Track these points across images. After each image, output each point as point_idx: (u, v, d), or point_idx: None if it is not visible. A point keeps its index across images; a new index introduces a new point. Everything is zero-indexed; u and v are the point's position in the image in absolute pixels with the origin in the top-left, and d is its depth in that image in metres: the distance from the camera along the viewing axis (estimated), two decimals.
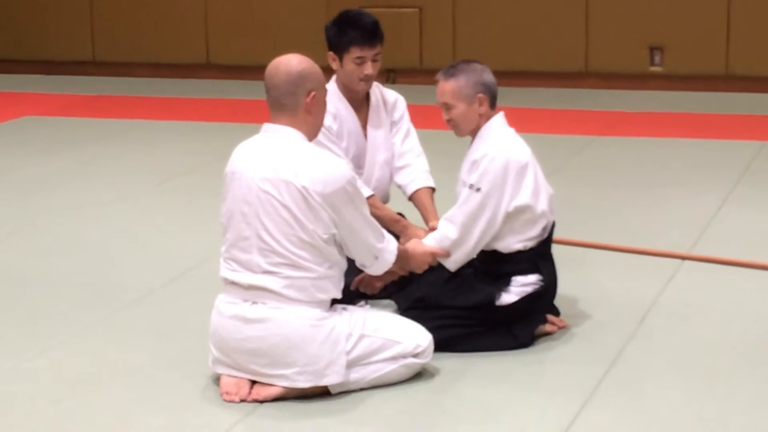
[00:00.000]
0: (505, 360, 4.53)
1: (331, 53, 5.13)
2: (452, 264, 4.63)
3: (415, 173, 5.28)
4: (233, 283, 4.23)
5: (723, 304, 5.11)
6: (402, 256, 4.45)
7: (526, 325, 4.64)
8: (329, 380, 4.18)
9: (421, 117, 9.06)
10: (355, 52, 5.08)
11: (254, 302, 4.19)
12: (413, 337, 4.33)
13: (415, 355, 4.32)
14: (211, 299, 4.86)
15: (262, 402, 4.18)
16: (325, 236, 4.16)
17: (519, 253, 4.63)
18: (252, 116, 9.14)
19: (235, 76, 10.66)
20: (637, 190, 6.91)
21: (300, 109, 4.21)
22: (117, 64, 11.00)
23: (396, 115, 5.36)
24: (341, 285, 4.29)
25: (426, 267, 4.63)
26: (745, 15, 9.63)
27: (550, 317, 4.79)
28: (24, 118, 9.32)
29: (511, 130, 4.76)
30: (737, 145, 7.92)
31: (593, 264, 5.62)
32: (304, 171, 4.12)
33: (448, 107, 4.67)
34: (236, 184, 4.24)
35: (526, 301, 4.61)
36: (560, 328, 4.79)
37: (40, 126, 9.03)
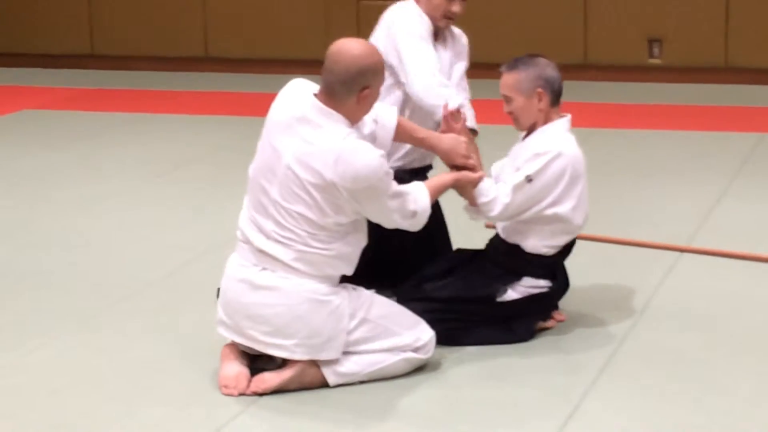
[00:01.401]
0: (503, 353, 4.53)
1: None
2: (480, 212, 4.58)
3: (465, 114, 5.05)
4: (247, 242, 4.22)
5: (722, 295, 5.11)
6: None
7: (526, 322, 4.64)
8: (326, 355, 4.18)
9: None
10: None
11: (264, 268, 4.19)
12: (414, 330, 4.33)
13: (416, 350, 4.31)
14: (211, 292, 4.87)
15: (261, 395, 4.19)
16: (345, 222, 4.16)
17: (540, 257, 4.63)
18: (251, 109, 9.13)
19: (233, 69, 10.64)
20: (636, 182, 6.90)
21: (351, 101, 4.16)
22: (115, 58, 10.98)
23: (461, 49, 5.30)
24: (355, 262, 4.27)
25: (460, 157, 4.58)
26: (743, 6, 9.61)
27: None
28: (22, 111, 9.31)
29: (573, 138, 4.72)
30: (736, 137, 7.92)
31: (592, 256, 5.62)
32: (337, 165, 4.06)
33: (508, 99, 4.64)
34: (268, 149, 4.20)
35: (528, 300, 4.61)
36: (559, 321, 4.79)
37: (39, 119, 9.02)
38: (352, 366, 4.24)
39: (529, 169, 4.54)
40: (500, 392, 4.22)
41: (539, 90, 4.59)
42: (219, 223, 6.08)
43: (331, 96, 4.16)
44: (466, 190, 4.56)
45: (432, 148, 4.61)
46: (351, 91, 4.14)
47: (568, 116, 4.70)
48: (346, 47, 4.19)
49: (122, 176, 7.21)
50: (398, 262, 4.97)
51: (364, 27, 10.40)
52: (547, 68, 4.62)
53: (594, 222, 6.08)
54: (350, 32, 10.69)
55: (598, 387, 4.22)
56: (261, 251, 4.19)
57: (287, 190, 4.13)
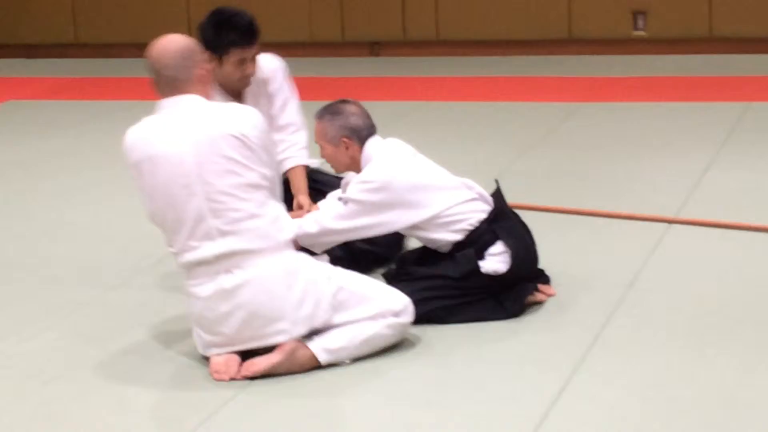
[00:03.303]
0: (494, 329, 4.53)
1: (207, 53, 4.85)
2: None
3: (291, 150, 5.23)
4: (199, 264, 4.21)
5: (711, 265, 5.12)
6: None
7: (515, 296, 4.64)
8: (320, 319, 4.19)
9: (404, 89, 9.10)
10: (235, 54, 5.02)
11: (227, 271, 4.19)
12: (389, 295, 4.36)
13: (396, 314, 4.32)
14: None
15: (252, 378, 4.19)
16: (269, 175, 4.25)
17: (471, 234, 4.64)
18: None
19: None
20: (623, 154, 6.90)
21: (193, 80, 4.26)
22: (99, 46, 10.96)
23: (272, 88, 5.24)
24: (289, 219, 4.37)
25: None
26: None
27: (540, 286, 4.79)
28: (7, 102, 9.29)
29: (392, 148, 4.75)
30: (722, 107, 7.92)
31: (580, 231, 5.62)
32: (235, 121, 4.19)
33: (320, 147, 4.78)
34: (160, 170, 4.20)
35: (513, 272, 4.62)
36: (549, 296, 4.79)
37: (24, 110, 9.01)
38: (339, 340, 4.24)
39: (347, 193, 4.65)
40: (491, 366, 4.22)
41: (344, 139, 4.69)
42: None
43: (174, 88, 4.26)
44: None
45: None
46: (190, 70, 4.26)
47: (373, 137, 4.74)
48: (164, 41, 4.37)
49: (109, 164, 7.20)
50: (365, 252, 5.01)
51: (347, 9, 10.40)
52: (352, 117, 4.72)
53: (582, 195, 6.10)
54: (334, 15, 10.72)
55: (590, 361, 4.22)
56: (217, 257, 4.18)
57: (207, 172, 4.15)
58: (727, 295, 4.78)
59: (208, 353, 4.29)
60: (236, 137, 4.16)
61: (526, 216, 4.97)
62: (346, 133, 4.69)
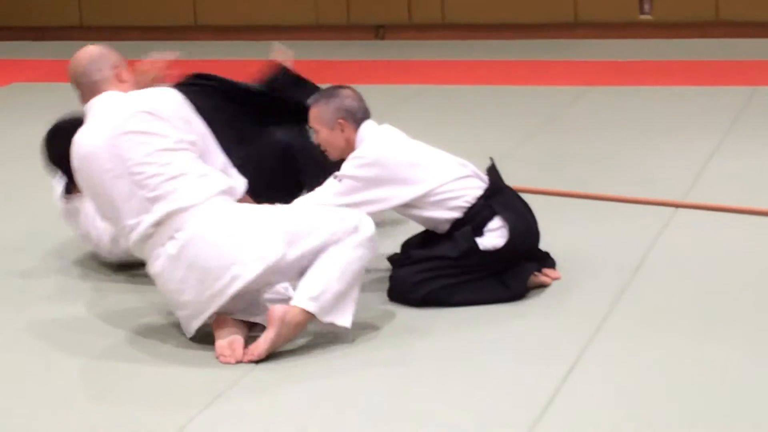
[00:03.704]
0: (498, 312, 4.53)
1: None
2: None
3: None
4: (146, 240, 4.27)
5: (718, 249, 5.11)
6: None
7: (518, 275, 4.64)
8: (273, 255, 4.16)
9: (409, 73, 9.08)
10: None
11: (171, 237, 4.23)
12: (334, 215, 4.34)
13: (354, 231, 4.29)
14: None
15: (257, 362, 4.18)
16: (192, 139, 4.35)
17: (468, 211, 4.64)
18: (239, 76, 9.09)
19: (223, 37, 10.61)
20: (630, 139, 6.89)
21: (109, 80, 4.51)
22: (105, 28, 10.94)
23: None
24: (244, 179, 4.51)
25: None
26: None
27: (545, 270, 4.79)
28: (12, 85, 9.28)
29: (385, 131, 4.76)
30: (729, 91, 7.90)
31: (586, 215, 5.62)
32: (145, 99, 4.39)
33: (315, 131, 4.81)
34: (91, 166, 4.34)
35: (512, 245, 4.60)
36: (554, 279, 4.79)
37: (29, 92, 9.00)
38: (316, 284, 4.19)
39: (340, 170, 4.65)
40: (496, 351, 4.22)
41: (340, 121, 4.70)
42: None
43: (95, 91, 4.48)
44: None
45: None
46: (104, 71, 4.52)
47: (367, 121, 4.75)
48: (78, 53, 4.65)
49: None
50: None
51: None
52: (347, 99, 4.75)
53: (588, 180, 6.10)
54: None
55: (596, 345, 4.22)
56: (156, 227, 4.23)
57: (125, 150, 4.28)
58: (734, 280, 4.77)
59: (192, 330, 4.31)
60: (147, 112, 4.33)
61: (532, 199, 4.96)
62: (342, 115, 4.71)
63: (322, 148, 4.83)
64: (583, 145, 6.84)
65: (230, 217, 4.25)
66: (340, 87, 4.83)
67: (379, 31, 10.37)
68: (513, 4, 10.04)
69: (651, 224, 5.41)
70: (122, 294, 4.91)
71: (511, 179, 4.88)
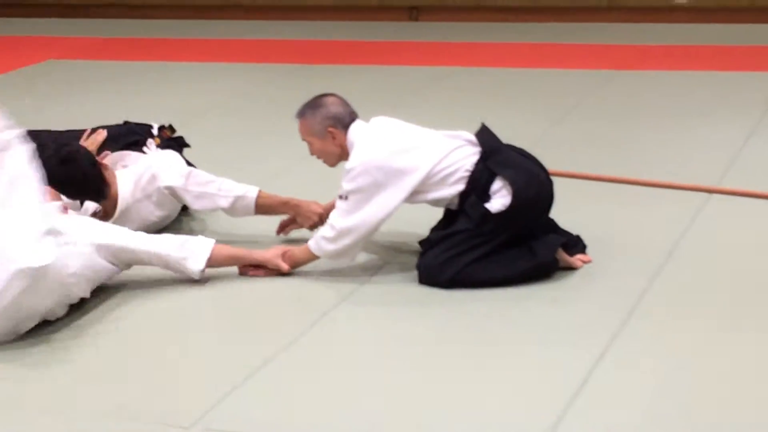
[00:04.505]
0: (530, 295, 4.53)
1: None
2: (326, 255, 4.70)
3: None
4: None
5: (751, 236, 5.09)
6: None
7: (544, 242, 4.64)
8: (42, 257, 4.13)
9: (442, 54, 9.07)
10: None
11: None
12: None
13: None
14: (228, 238, 4.89)
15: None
16: None
17: (468, 182, 4.64)
18: (271, 56, 9.12)
19: (254, 17, 10.62)
20: (663, 123, 6.87)
21: None
22: (138, 6, 10.97)
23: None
24: None
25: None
26: None
27: (577, 255, 4.79)
28: (47, 62, 9.32)
29: (373, 128, 4.76)
30: (763, 77, 7.85)
31: (618, 199, 5.60)
32: None
33: (308, 144, 4.83)
34: None
35: (520, 200, 4.58)
36: (585, 263, 4.79)
37: (63, 69, 9.03)
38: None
39: (341, 189, 4.66)
40: (528, 333, 4.23)
41: (330, 129, 4.73)
42: (239, 170, 6.10)
43: None
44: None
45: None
46: None
47: (356, 122, 4.77)
48: None
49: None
50: None
51: None
52: (332, 106, 4.77)
53: (620, 164, 6.08)
54: None
55: (628, 329, 4.22)
56: None
57: None
58: (767, 266, 4.76)
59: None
60: None
61: (562, 183, 4.96)
62: (330, 123, 4.74)
63: (319, 159, 4.85)
64: (614, 129, 6.82)
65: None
66: (323, 95, 4.83)
67: (413, 12, 10.36)
68: None
69: (684, 210, 5.39)
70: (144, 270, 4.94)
71: (542, 163, 4.87)
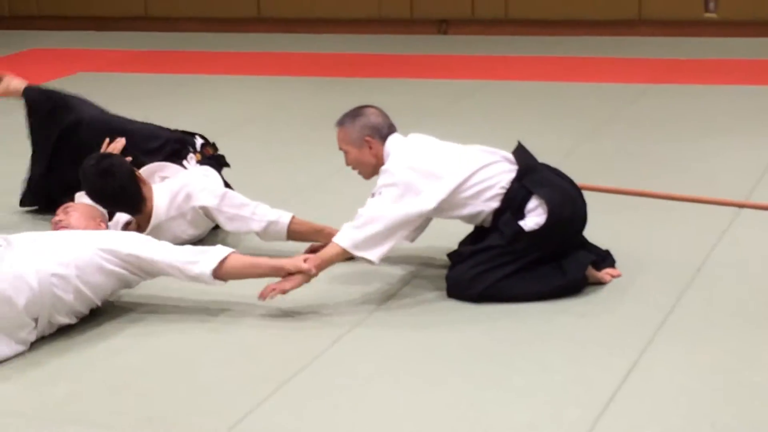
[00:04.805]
0: (559, 309, 4.52)
1: None
2: (354, 246, 4.60)
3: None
4: None
5: None
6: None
7: (574, 262, 4.62)
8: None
9: (471, 68, 9.07)
10: None
11: None
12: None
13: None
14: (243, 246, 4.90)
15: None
16: None
17: (504, 198, 4.64)
18: (301, 69, 9.15)
19: (285, 30, 10.65)
20: (693, 137, 6.85)
21: None
22: (168, 19, 11.02)
23: None
24: None
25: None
26: None
27: (606, 269, 4.77)
28: (78, 74, 9.37)
29: (411, 140, 4.79)
30: None
31: (648, 213, 5.59)
32: None
33: (345, 153, 4.85)
34: None
35: (554, 219, 4.57)
36: (615, 277, 4.77)
37: (94, 82, 9.08)
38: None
39: (374, 189, 4.68)
40: (556, 348, 4.21)
41: (367, 138, 4.75)
42: (271, 184, 6.12)
43: None
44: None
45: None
46: None
47: (393, 134, 4.79)
48: None
49: None
50: None
51: None
52: (371, 117, 4.80)
53: (650, 178, 6.06)
54: None
55: (657, 344, 4.20)
56: None
57: None
58: None
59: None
60: None
61: (592, 197, 4.95)
62: (368, 132, 4.77)
63: (354, 169, 4.86)
64: (645, 142, 6.80)
65: None
66: (364, 106, 4.87)
67: (442, 25, 10.37)
68: (577, 0, 10.00)
69: (713, 224, 5.38)
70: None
71: (572, 177, 4.86)
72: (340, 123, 4.83)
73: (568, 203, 4.67)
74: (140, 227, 5.14)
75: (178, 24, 10.98)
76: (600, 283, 4.72)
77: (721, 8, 9.72)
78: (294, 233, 5.11)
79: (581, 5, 9.99)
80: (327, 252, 4.63)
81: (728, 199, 5.68)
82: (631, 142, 6.82)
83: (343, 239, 4.60)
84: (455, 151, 4.76)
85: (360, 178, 4.92)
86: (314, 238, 5.11)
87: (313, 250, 4.97)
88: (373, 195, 4.67)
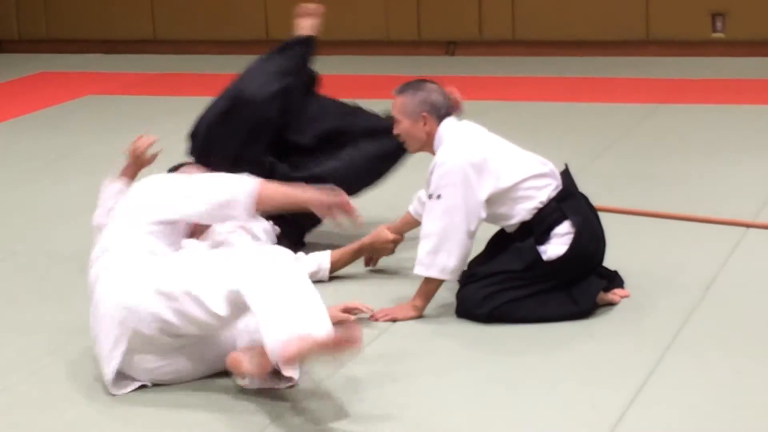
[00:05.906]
0: (567, 330, 4.53)
1: None
2: (444, 272, 4.61)
3: None
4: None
5: None
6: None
7: (586, 290, 4.62)
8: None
9: (479, 89, 9.08)
10: None
11: None
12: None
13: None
14: None
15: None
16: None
17: (539, 214, 4.63)
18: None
19: None
20: (701, 157, 6.85)
21: None
22: (178, 42, 11.06)
23: None
24: None
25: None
26: None
27: (614, 289, 4.78)
28: (87, 97, 9.40)
29: (465, 128, 4.76)
30: None
31: (656, 233, 5.59)
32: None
33: (396, 121, 4.79)
34: None
35: (576, 252, 4.58)
36: (623, 297, 4.78)
37: (103, 105, 9.11)
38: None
39: (430, 189, 4.63)
40: (566, 370, 4.22)
41: (424, 114, 4.69)
42: None
43: None
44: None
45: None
46: None
47: (448, 118, 4.75)
48: None
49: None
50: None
51: (423, 8, 10.41)
52: (433, 93, 4.75)
53: (658, 198, 6.07)
54: (411, 14, 10.73)
55: (665, 364, 4.20)
56: None
57: None
58: None
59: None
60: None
61: (602, 217, 4.95)
62: (427, 108, 4.71)
63: (401, 140, 4.82)
64: (653, 163, 6.81)
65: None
66: (427, 81, 4.82)
67: (450, 47, 10.39)
68: (584, 21, 10.02)
69: (722, 244, 5.38)
70: None
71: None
72: (401, 91, 4.77)
73: (594, 241, 4.69)
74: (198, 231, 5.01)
75: (186, 46, 11.01)
76: (610, 304, 4.72)
77: (729, 28, 9.73)
78: (336, 265, 5.11)
79: (588, 26, 10.00)
80: (421, 291, 4.66)
81: (736, 219, 5.68)
82: (638, 162, 6.82)
83: (429, 269, 4.61)
84: (512, 151, 4.74)
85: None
86: (357, 257, 5.13)
87: (367, 262, 5.13)
88: (430, 196, 4.61)
